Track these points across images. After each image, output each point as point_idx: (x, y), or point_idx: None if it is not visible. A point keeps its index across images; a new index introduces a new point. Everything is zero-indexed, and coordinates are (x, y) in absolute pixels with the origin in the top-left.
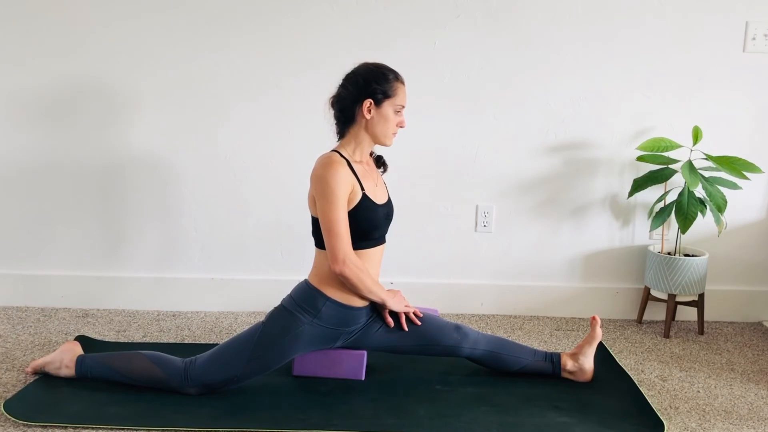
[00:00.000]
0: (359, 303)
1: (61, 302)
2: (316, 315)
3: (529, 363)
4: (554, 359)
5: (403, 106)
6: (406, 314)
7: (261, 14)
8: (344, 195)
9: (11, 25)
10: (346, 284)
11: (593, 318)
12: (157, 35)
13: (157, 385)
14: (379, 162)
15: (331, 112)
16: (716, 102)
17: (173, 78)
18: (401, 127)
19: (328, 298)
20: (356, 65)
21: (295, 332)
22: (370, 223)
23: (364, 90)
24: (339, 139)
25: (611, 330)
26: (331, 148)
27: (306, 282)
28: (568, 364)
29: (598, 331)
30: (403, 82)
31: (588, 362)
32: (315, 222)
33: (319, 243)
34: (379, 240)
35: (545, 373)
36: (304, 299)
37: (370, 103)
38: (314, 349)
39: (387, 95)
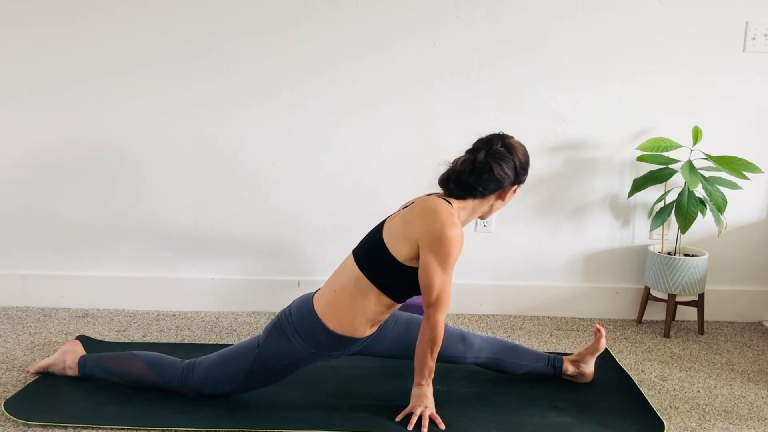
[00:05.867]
0: (364, 333)
1: (61, 302)
2: (316, 346)
3: (531, 368)
4: (556, 364)
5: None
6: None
7: (261, 17)
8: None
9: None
10: (424, 332)
11: (598, 329)
12: (160, 35)
13: (155, 389)
14: None
15: (461, 173)
16: (716, 102)
17: (175, 79)
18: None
19: (328, 331)
20: (502, 139)
21: (292, 359)
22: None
23: (517, 175)
24: (447, 194)
25: (611, 330)
26: (447, 199)
27: (310, 304)
28: (570, 369)
29: (602, 343)
30: None
31: (589, 368)
32: (382, 254)
33: (365, 268)
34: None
35: (546, 375)
36: (304, 327)
37: (514, 189)
38: (313, 366)
39: (524, 181)
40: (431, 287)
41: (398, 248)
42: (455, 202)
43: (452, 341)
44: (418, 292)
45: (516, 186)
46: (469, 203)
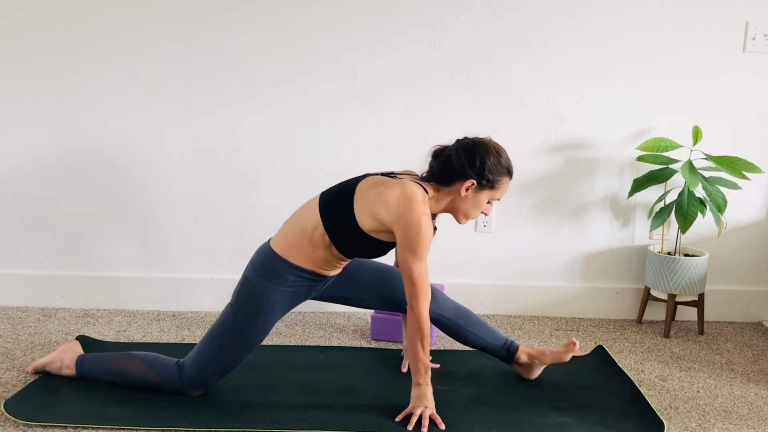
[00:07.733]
0: (329, 272)
1: (61, 302)
2: (283, 283)
3: (486, 345)
4: (511, 349)
5: (498, 200)
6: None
7: (261, 16)
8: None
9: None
10: (411, 324)
11: (573, 342)
12: (158, 32)
13: (153, 389)
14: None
15: (430, 157)
16: (716, 102)
17: (173, 77)
18: (485, 214)
19: (293, 267)
20: (481, 138)
21: (266, 304)
22: (382, 253)
23: (475, 171)
24: (424, 179)
25: (611, 330)
26: (421, 182)
27: (269, 248)
28: (522, 357)
29: (569, 356)
30: (511, 178)
31: (539, 370)
32: (347, 217)
33: (326, 222)
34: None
35: (497, 357)
36: (269, 269)
37: (472, 185)
38: (290, 309)
39: (492, 186)
40: (409, 275)
41: (364, 219)
42: (429, 190)
43: None
44: (366, 257)
45: (475, 183)
46: (436, 192)
